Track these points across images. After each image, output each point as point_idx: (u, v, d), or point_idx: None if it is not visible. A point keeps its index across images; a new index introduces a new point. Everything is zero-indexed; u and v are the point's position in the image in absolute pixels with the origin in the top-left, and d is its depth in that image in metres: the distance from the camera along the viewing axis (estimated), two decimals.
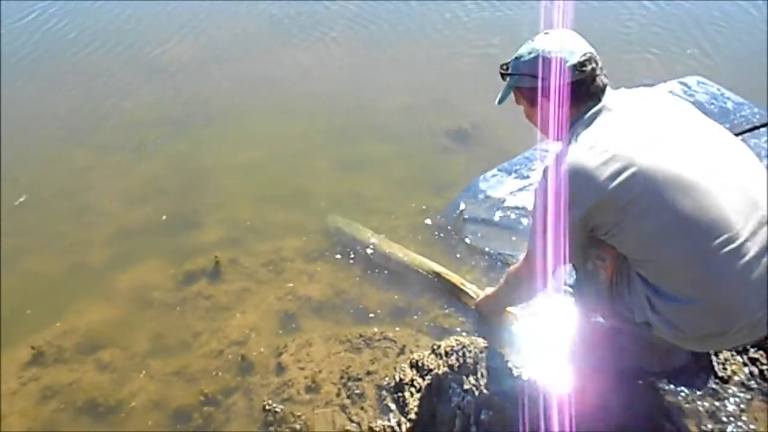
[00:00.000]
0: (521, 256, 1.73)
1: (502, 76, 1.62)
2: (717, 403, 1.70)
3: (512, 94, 1.64)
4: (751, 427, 1.64)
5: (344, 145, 3.32)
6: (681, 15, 4.35)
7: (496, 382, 1.79)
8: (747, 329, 1.40)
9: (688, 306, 1.39)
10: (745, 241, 1.33)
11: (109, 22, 4.73)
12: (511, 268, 1.86)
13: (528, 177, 2.71)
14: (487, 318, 2.09)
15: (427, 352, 1.95)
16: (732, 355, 1.81)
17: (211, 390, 2.02)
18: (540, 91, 1.52)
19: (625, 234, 1.42)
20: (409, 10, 4.69)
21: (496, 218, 2.56)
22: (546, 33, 1.55)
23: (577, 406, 1.63)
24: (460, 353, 1.88)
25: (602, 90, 1.50)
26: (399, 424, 1.80)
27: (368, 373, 1.99)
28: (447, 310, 2.20)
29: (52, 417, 2.01)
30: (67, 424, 1.98)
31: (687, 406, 1.70)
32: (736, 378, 1.76)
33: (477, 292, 2.17)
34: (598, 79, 1.49)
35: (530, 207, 2.38)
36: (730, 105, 2.90)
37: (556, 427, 1.60)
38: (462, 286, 2.21)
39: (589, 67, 1.47)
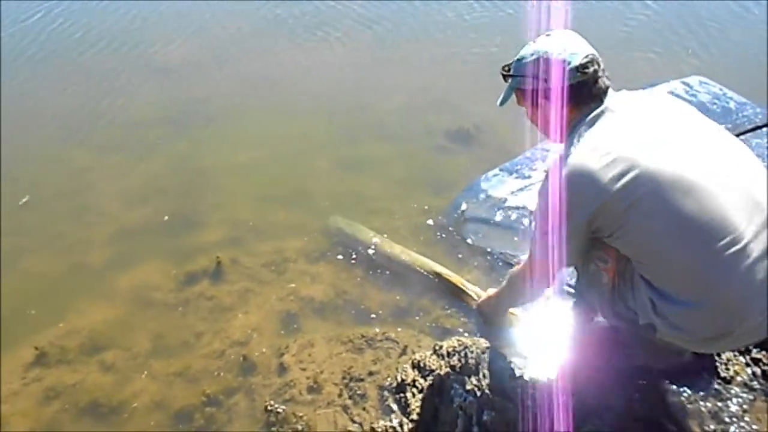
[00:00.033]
0: (523, 258, 1.73)
1: (504, 77, 1.62)
2: (719, 404, 1.70)
3: (514, 96, 1.63)
4: (754, 427, 1.64)
5: (345, 145, 3.32)
6: (683, 14, 4.34)
7: (498, 383, 1.79)
8: (750, 331, 1.40)
9: (691, 308, 1.39)
10: (749, 242, 1.33)
11: (115, 23, 4.72)
12: (514, 269, 1.86)
13: (529, 176, 2.71)
14: (488, 319, 2.09)
15: (429, 353, 1.95)
16: (735, 356, 1.81)
17: (213, 390, 2.02)
18: (542, 92, 1.52)
19: (629, 236, 1.41)
20: (413, 10, 4.69)
21: (498, 218, 2.55)
22: (548, 34, 1.55)
23: (579, 406, 1.63)
24: (462, 354, 1.88)
25: (604, 92, 1.50)
26: (401, 425, 1.80)
27: (370, 373, 1.99)
28: (449, 311, 2.20)
29: (54, 418, 2.01)
30: (69, 425, 1.98)
31: (689, 406, 1.70)
32: (738, 378, 1.75)
33: (479, 293, 2.16)
34: (600, 80, 1.49)
35: (532, 207, 2.38)
36: (732, 105, 2.89)
37: (557, 427, 1.60)
38: (463, 287, 2.21)
39: (591, 69, 1.47)
